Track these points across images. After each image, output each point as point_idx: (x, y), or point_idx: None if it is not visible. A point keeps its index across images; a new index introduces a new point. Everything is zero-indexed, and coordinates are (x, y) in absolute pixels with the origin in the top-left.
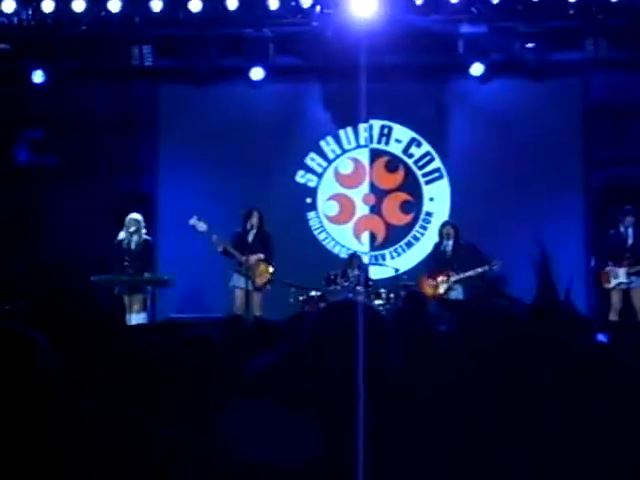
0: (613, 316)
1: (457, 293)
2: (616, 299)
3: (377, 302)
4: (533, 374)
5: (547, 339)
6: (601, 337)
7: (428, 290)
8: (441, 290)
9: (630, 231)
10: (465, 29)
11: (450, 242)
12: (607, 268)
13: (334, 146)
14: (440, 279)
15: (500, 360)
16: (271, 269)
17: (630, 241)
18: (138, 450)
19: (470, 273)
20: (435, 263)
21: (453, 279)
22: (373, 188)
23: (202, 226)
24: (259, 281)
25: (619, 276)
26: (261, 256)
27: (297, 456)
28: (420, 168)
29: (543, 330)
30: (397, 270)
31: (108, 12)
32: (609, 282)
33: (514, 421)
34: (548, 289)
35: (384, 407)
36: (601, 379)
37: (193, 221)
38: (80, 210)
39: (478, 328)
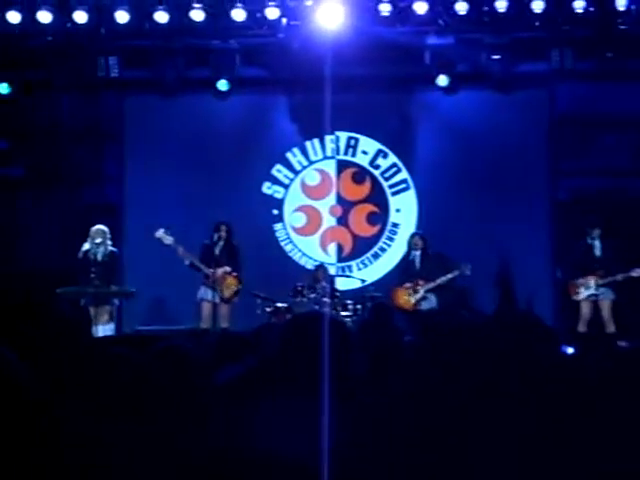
0: (582, 327)
1: (430, 302)
2: (586, 310)
3: (344, 313)
4: (496, 384)
5: (509, 349)
6: (567, 349)
7: (401, 301)
8: (413, 300)
9: (597, 242)
10: (431, 40)
11: (418, 252)
12: (577, 280)
13: (300, 157)
14: (412, 289)
15: (464, 370)
16: (238, 282)
17: (598, 252)
18: (107, 461)
19: (440, 280)
20: (404, 274)
21: (425, 288)
22: (340, 199)
23: (168, 239)
24: (226, 294)
25: (590, 288)
26: (228, 269)
27: (266, 459)
28: (387, 179)
29: (505, 340)
30: (364, 281)
31: (74, 23)
32: (578, 294)
33: (480, 430)
34: (509, 300)
35: (350, 416)
36: (566, 389)
37: (159, 234)
38: (46, 221)
39: (441, 339)
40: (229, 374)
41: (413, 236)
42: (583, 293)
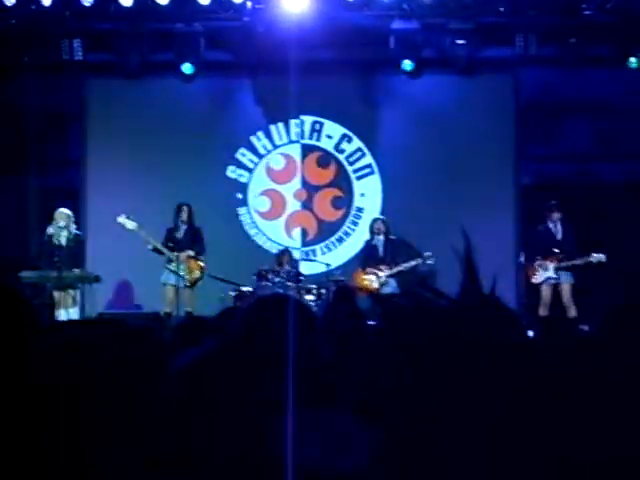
0: (543, 311)
1: (391, 288)
2: (546, 294)
3: (308, 297)
4: (460, 367)
5: (473, 331)
6: (528, 332)
7: (363, 285)
8: (375, 285)
9: (558, 226)
10: (396, 25)
11: (381, 237)
12: (536, 263)
13: (265, 141)
14: (374, 274)
15: (427, 353)
16: (202, 265)
17: (559, 236)
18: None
19: (402, 267)
20: (367, 259)
21: (386, 274)
22: (304, 184)
23: (131, 224)
24: (190, 278)
25: (548, 271)
26: (191, 253)
27: (229, 449)
28: (351, 164)
29: (468, 322)
30: (328, 265)
31: (39, 6)
32: (536, 277)
33: (445, 414)
34: (472, 282)
35: (314, 399)
36: (529, 373)
37: (121, 219)
38: (8, 205)
39: (403, 321)
40: (189, 357)
41: (375, 221)
42: (541, 276)
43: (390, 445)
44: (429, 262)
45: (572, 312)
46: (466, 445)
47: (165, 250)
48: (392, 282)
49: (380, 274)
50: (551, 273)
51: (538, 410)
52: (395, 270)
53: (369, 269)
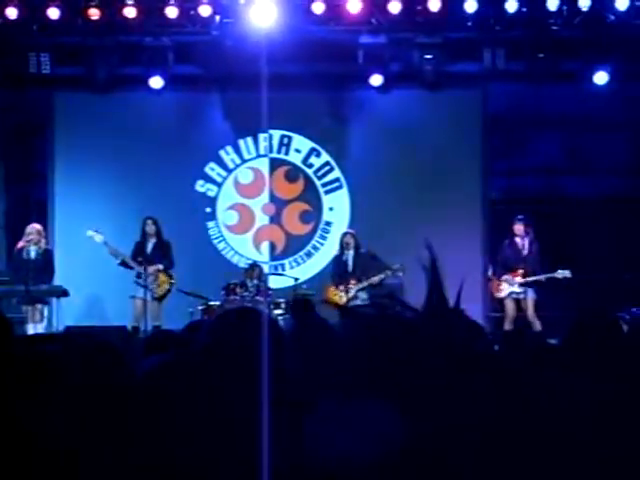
0: (508, 325)
1: (361, 301)
2: (510, 308)
3: (276, 312)
4: (427, 376)
5: (434, 340)
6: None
7: (333, 300)
8: (345, 299)
9: (525, 241)
10: (364, 40)
11: (351, 252)
12: (501, 278)
13: (234, 156)
14: (344, 289)
15: (393, 363)
16: (170, 279)
17: (525, 252)
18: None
19: (373, 280)
20: (337, 273)
21: (356, 287)
22: (273, 198)
23: (99, 237)
24: (158, 291)
25: (513, 285)
26: (160, 266)
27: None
28: (320, 178)
29: (430, 332)
30: (297, 279)
31: (5, 19)
32: (500, 292)
33: (413, 423)
34: (437, 293)
35: (284, 410)
36: (493, 382)
37: (90, 233)
38: None
39: (365, 332)
40: (154, 362)
41: (345, 235)
42: (505, 290)
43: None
44: (399, 274)
45: (537, 326)
46: (432, 454)
47: (133, 264)
48: (362, 295)
49: (350, 288)
50: (516, 288)
51: (505, 420)
52: (365, 284)
53: (339, 284)
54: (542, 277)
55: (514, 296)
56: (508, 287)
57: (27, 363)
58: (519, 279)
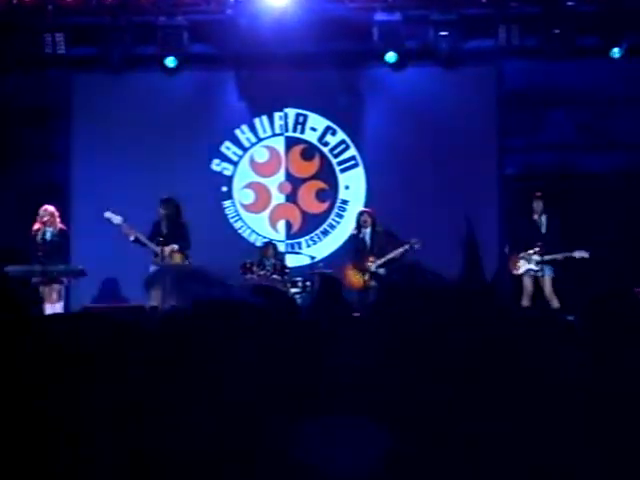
0: (525, 301)
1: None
2: (528, 285)
3: (293, 290)
4: (469, 355)
5: (473, 315)
6: None
7: (352, 280)
8: (366, 277)
9: (543, 219)
10: (379, 17)
11: (368, 230)
12: (519, 255)
13: (249, 134)
14: (363, 267)
15: (430, 334)
16: (186, 259)
17: (543, 229)
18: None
19: (391, 255)
20: (355, 252)
21: (375, 264)
22: (289, 176)
23: (117, 218)
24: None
25: (530, 263)
26: (175, 247)
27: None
28: (335, 156)
29: (472, 306)
30: (313, 258)
31: (20, 0)
32: (517, 268)
33: (451, 400)
34: (474, 269)
35: (305, 384)
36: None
37: (108, 214)
38: None
39: (401, 300)
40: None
41: (362, 214)
42: (522, 267)
43: (398, 442)
44: (417, 247)
45: (555, 303)
46: (472, 432)
47: (147, 241)
48: (382, 272)
49: (370, 266)
50: (533, 265)
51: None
52: (384, 259)
53: (357, 262)
54: (559, 256)
55: (532, 273)
56: (526, 264)
57: (43, 343)
58: (537, 256)
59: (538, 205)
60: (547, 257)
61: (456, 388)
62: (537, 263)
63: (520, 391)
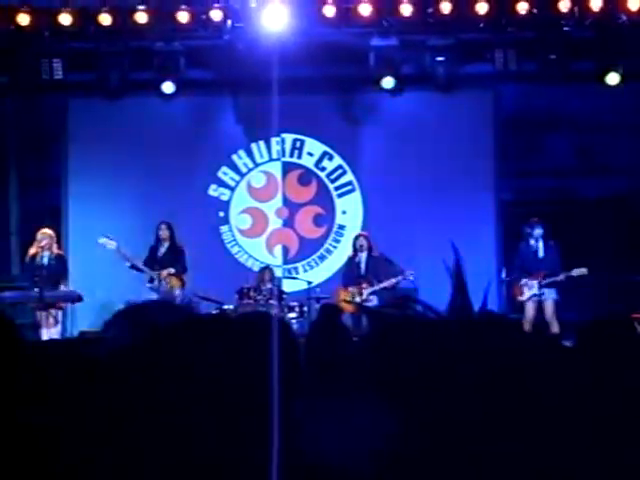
0: (526, 327)
1: (373, 305)
2: (530, 310)
3: (290, 315)
4: (457, 376)
5: (466, 340)
6: None
7: (344, 303)
8: (357, 300)
9: (540, 243)
10: (376, 42)
11: (364, 254)
12: (521, 281)
13: (246, 160)
14: (355, 291)
15: (419, 363)
16: (182, 283)
17: (541, 254)
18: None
19: (384, 284)
20: (349, 276)
21: (368, 291)
22: (286, 201)
23: (111, 244)
24: (169, 295)
25: (533, 288)
26: (172, 270)
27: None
28: (332, 181)
29: (461, 332)
30: (310, 283)
31: (17, 26)
32: (522, 295)
33: (435, 423)
34: (461, 296)
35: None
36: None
37: (102, 240)
38: None
39: (392, 332)
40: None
41: (357, 237)
42: (527, 294)
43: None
44: (410, 279)
45: (555, 328)
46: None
47: (144, 267)
48: (374, 299)
49: (362, 292)
50: (535, 290)
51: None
52: (377, 287)
53: (351, 286)
54: (560, 277)
55: (535, 298)
56: (529, 290)
57: (35, 368)
58: (537, 281)
59: (534, 230)
60: (548, 280)
61: (460, 414)
62: (539, 287)
63: (522, 415)
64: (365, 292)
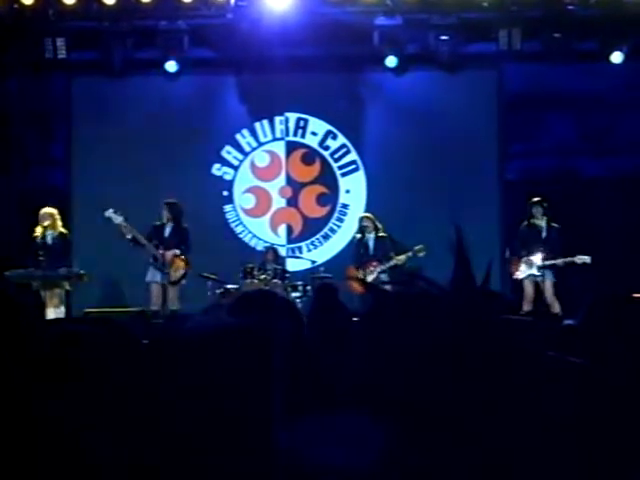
0: (527, 306)
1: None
2: (529, 290)
3: (294, 294)
4: (457, 353)
5: (468, 316)
6: None
7: (355, 283)
8: (369, 279)
9: (543, 224)
10: (380, 21)
11: (371, 235)
12: (520, 259)
13: (250, 139)
14: (366, 270)
15: (421, 339)
16: (186, 264)
17: (544, 234)
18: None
19: (394, 262)
20: (358, 256)
21: (379, 269)
22: (289, 181)
23: (118, 218)
24: (174, 276)
25: (532, 268)
26: (177, 251)
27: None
28: (336, 160)
29: (464, 307)
30: (314, 262)
31: (21, 5)
32: (519, 273)
33: (439, 400)
34: (464, 272)
35: (303, 389)
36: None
37: (109, 213)
38: None
39: (392, 308)
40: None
41: (362, 219)
42: (523, 272)
43: (401, 442)
44: (420, 255)
45: (556, 308)
46: (473, 429)
47: (145, 241)
48: (384, 278)
49: (372, 271)
50: (534, 270)
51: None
52: (387, 265)
53: (361, 266)
54: (561, 262)
55: (532, 278)
56: (527, 269)
57: (44, 347)
58: (538, 262)
59: (537, 210)
60: (548, 262)
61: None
62: (539, 268)
63: (515, 398)
64: (375, 271)
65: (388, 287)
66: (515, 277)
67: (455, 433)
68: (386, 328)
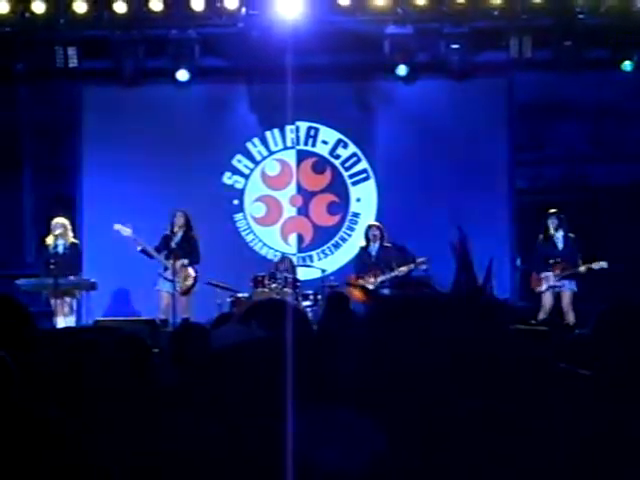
0: (542, 315)
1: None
2: (548, 300)
3: (305, 303)
4: (458, 359)
5: (469, 322)
6: None
7: (355, 291)
8: (368, 290)
9: (559, 235)
10: (390, 30)
11: (376, 244)
12: (541, 274)
13: (261, 148)
14: (368, 280)
15: (424, 344)
16: (195, 273)
17: (560, 245)
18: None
19: (397, 272)
20: (362, 265)
21: (380, 279)
22: (300, 189)
23: (126, 230)
24: (184, 285)
25: (550, 280)
26: (185, 261)
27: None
28: (347, 169)
29: (464, 314)
30: (324, 271)
31: (32, 13)
32: (541, 286)
33: (439, 408)
34: (466, 273)
35: (313, 396)
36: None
37: (117, 226)
38: (3, 214)
39: (391, 311)
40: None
41: (370, 227)
42: (545, 285)
43: (396, 441)
44: (422, 267)
45: (570, 318)
46: (469, 434)
47: (155, 254)
48: (386, 288)
49: (375, 280)
50: (553, 282)
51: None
52: (388, 276)
53: (363, 275)
54: (580, 269)
55: (553, 290)
56: (547, 283)
57: (54, 355)
58: (557, 273)
59: (553, 222)
60: (567, 272)
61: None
62: (559, 279)
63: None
64: (378, 280)
65: (388, 292)
66: (537, 291)
67: (453, 436)
68: (386, 331)
